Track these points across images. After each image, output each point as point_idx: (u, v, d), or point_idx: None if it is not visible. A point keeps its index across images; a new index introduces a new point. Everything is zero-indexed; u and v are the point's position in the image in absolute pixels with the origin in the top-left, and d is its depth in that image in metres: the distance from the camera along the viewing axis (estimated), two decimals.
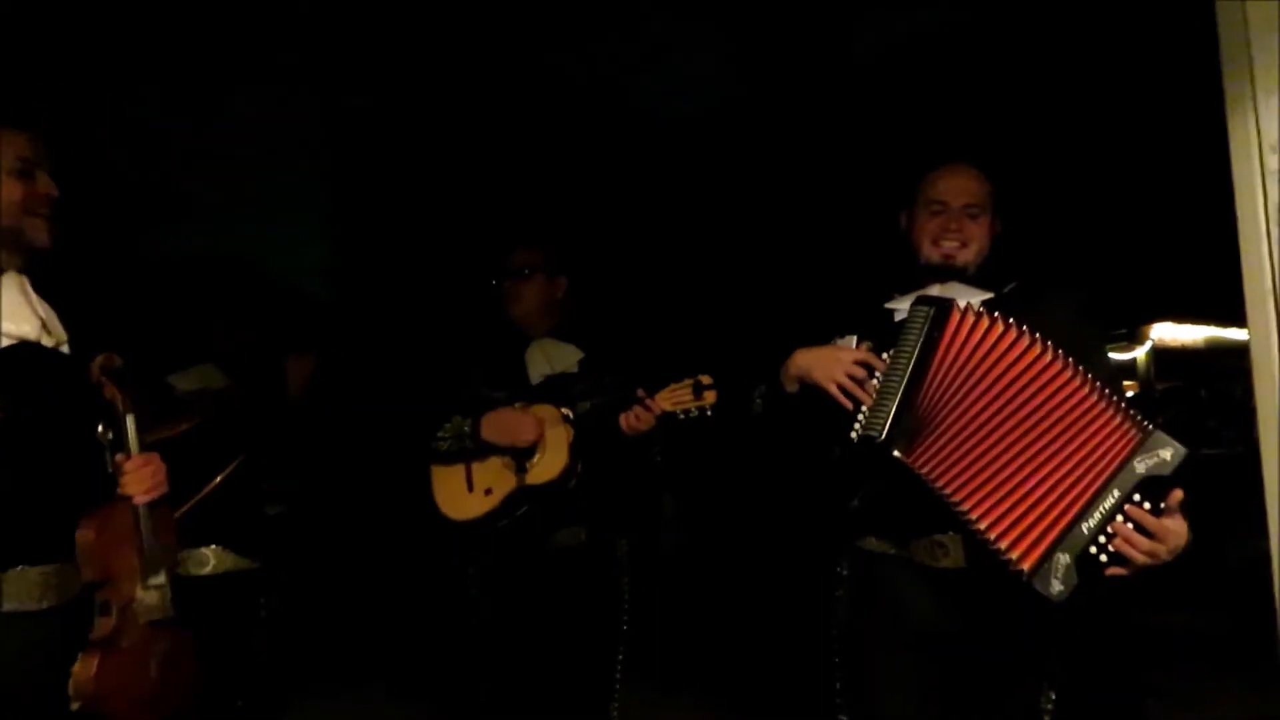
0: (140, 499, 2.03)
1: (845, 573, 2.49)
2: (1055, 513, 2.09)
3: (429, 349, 3.64)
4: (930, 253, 2.51)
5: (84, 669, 1.94)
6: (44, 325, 2.00)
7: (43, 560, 1.92)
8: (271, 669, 3.53)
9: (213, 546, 3.39)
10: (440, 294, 4.51)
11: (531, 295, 3.37)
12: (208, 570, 3.32)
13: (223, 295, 4.84)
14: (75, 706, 1.92)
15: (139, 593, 2.03)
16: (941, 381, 2.20)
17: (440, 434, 3.19)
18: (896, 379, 2.22)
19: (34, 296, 2.02)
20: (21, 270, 2.02)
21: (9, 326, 1.95)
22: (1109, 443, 2.09)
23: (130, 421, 2.03)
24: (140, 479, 2.03)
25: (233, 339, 4.12)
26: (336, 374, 4.34)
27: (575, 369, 3.34)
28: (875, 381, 2.28)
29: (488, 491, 3.17)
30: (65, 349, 2.04)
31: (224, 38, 4.41)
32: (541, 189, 4.76)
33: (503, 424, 3.16)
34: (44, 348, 1.99)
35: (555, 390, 3.25)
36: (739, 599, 4.92)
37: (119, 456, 2.03)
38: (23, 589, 1.90)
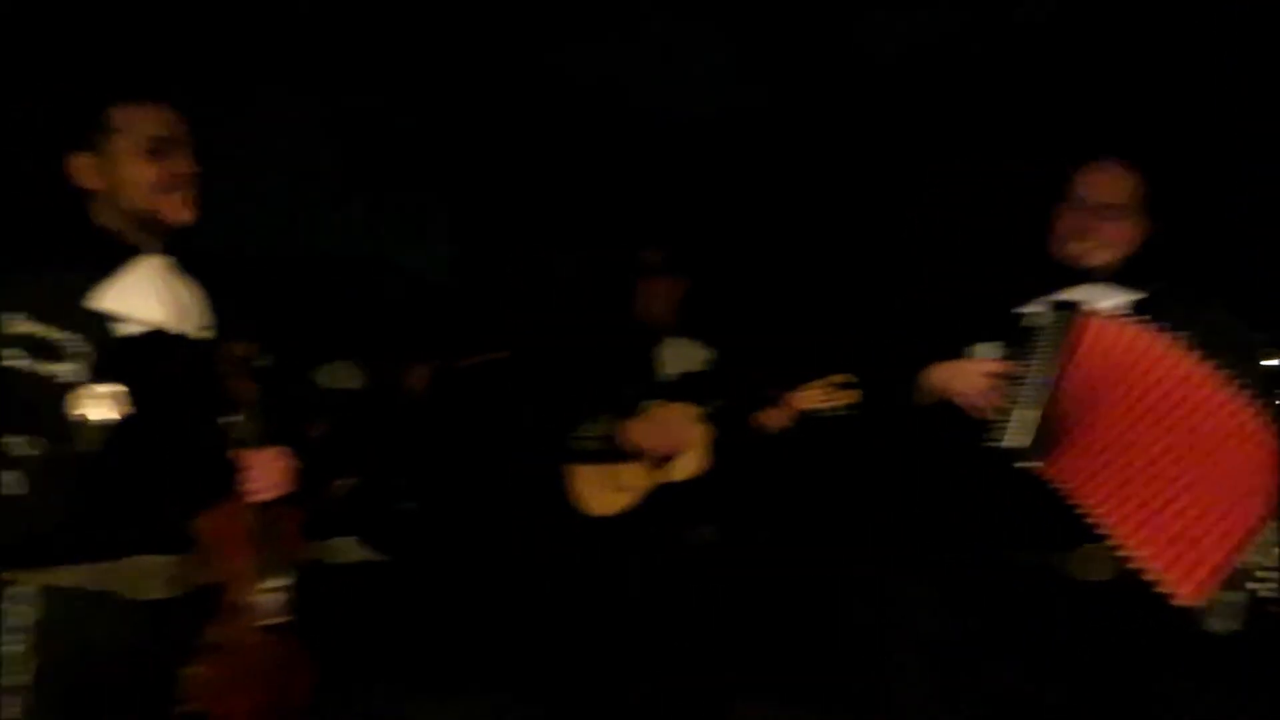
0: (259, 497, 1.93)
1: (977, 581, 2.45)
2: (1214, 539, 1.99)
3: (554, 346, 3.68)
4: (1064, 252, 2.45)
5: (195, 671, 1.88)
6: (179, 311, 1.92)
7: (162, 551, 1.87)
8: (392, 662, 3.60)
9: (347, 538, 3.48)
10: (564, 291, 4.56)
11: (661, 294, 3.40)
12: (342, 560, 3.43)
13: (359, 293, 5.00)
14: (185, 708, 1.88)
15: (255, 595, 1.93)
16: (1079, 391, 2.14)
17: (583, 432, 3.23)
18: (1033, 388, 2.17)
19: (174, 280, 1.94)
20: (162, 252, 1.94)
21: (139, 313, 1.87)
22: (1268, 462, 1.99)
23: (255, 414, 1.94)
24: (261, 476, 1.93)
25: (370, 337, 4.25)
26: (463, 372, 4.43)
27: (706, 367, 3.36)
28: (1012, 391, 2.23)
29: (627, 488, 3.21)
30: (207, 333, 1.96)
31: (337, 37, 4.54)
32: (664, 187, 4.77)
33: (650, 431, 3.18)
34: (175, 335, 1.91)
35: (687, 388, 3.28)
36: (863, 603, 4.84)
37: (241, 451, 1.93)
38: (144, 578, 1.85)
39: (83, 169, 1.91)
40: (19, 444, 1.78)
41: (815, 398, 2.95)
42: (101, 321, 1.84)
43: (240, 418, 1.93)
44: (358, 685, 3.40)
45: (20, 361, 1.78)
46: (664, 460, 3.20)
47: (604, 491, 3.23)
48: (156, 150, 1.90)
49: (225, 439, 1.92)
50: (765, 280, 4.56)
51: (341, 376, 4.55)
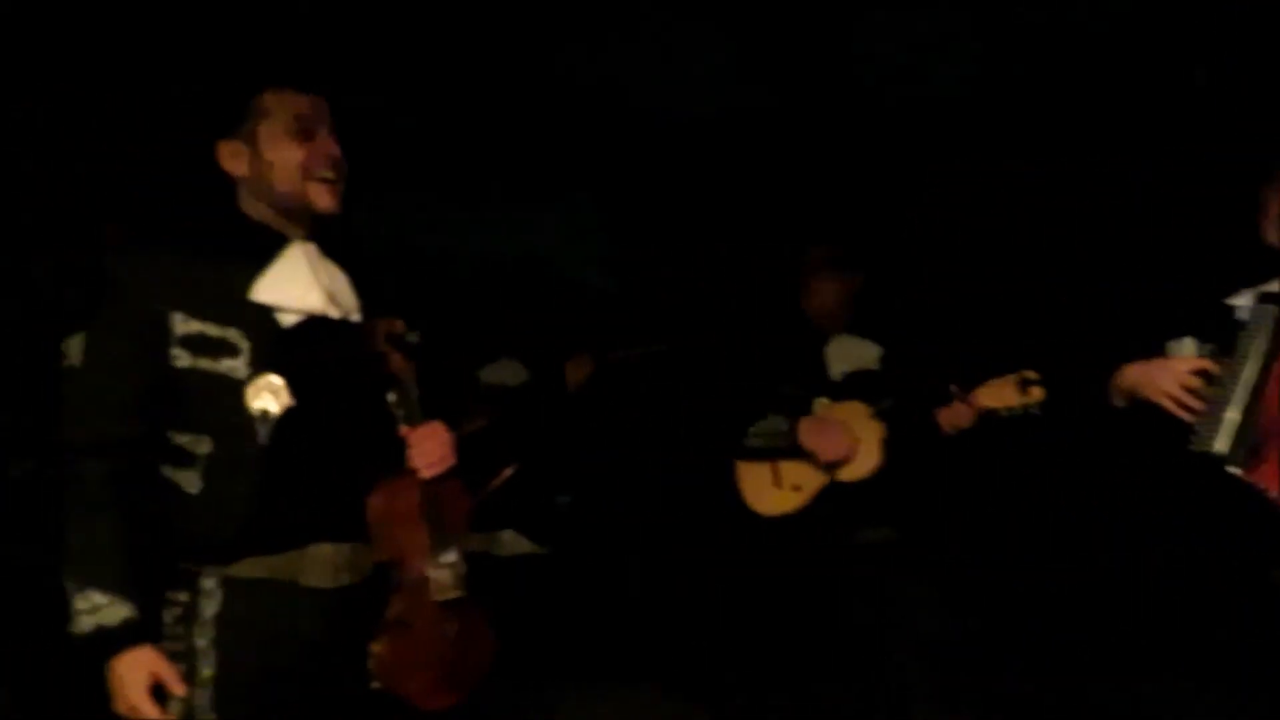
0: (426, 472, 1.91)
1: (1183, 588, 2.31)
2: None
3: (721, 345, 3.65)
4: (1274, 238, 2.28)
5: (379, 648, 1.89)
6: (330, 296, 1.90)
7: (339, 537, 1.86)
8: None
9: (509, 531, 3.52)
10: (727, 287, 4.52)
11: (830, 291, 3.33)
12: (503, 552, 3.47)
13: (518, 292, 5.07)
14: (375, 685, 1.88)
15: (430, 570, 1.92)
16: None
17: (753, 431, 3.18)
18: (1237, 388, 2.02)
19: (321, 265, 1.92)
20: (308, 237, 1.92)
21: (294, 301, 1.86)
22: None
23: (412, 390, 1.92)
24: (426, 451, 1.91)
25: (530, 334, 4.30)
26: (623, 365, 4.44)
27: (877, 365, 3.28)
28: (1214, 391, 2.08)
29: (796, 488, 3.16)
30: (356, 316, 1.94)
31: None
32: (831, 184, 4.69)
33: (823, 433, 3.12)
34: (331, 320, 1.90)
35: (859, 386, 3.21)
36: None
37: (404, 428, 1.91)
38: (320, 566, 1.84)
39: (230, 155, 1.92)
40: (194, 442, 1.80)
41: (1000, 395, 2.83)
42: (263, 313, 1.84)
43: (398, 394, 1.93)
44: (519, 677, 3.44)
45: (189, 360, 1.79)
46: (835, 461, 3.14)
47: (773, 491, 3.19)
48: (303, 131, 1.89)
49: (389, 417, 1.92)
50: (937, 274, 4.43)
51: (504, 373, 4.62)
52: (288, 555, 1.83)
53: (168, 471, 1.81)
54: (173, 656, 1.77)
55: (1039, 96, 4.36)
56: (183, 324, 1.80)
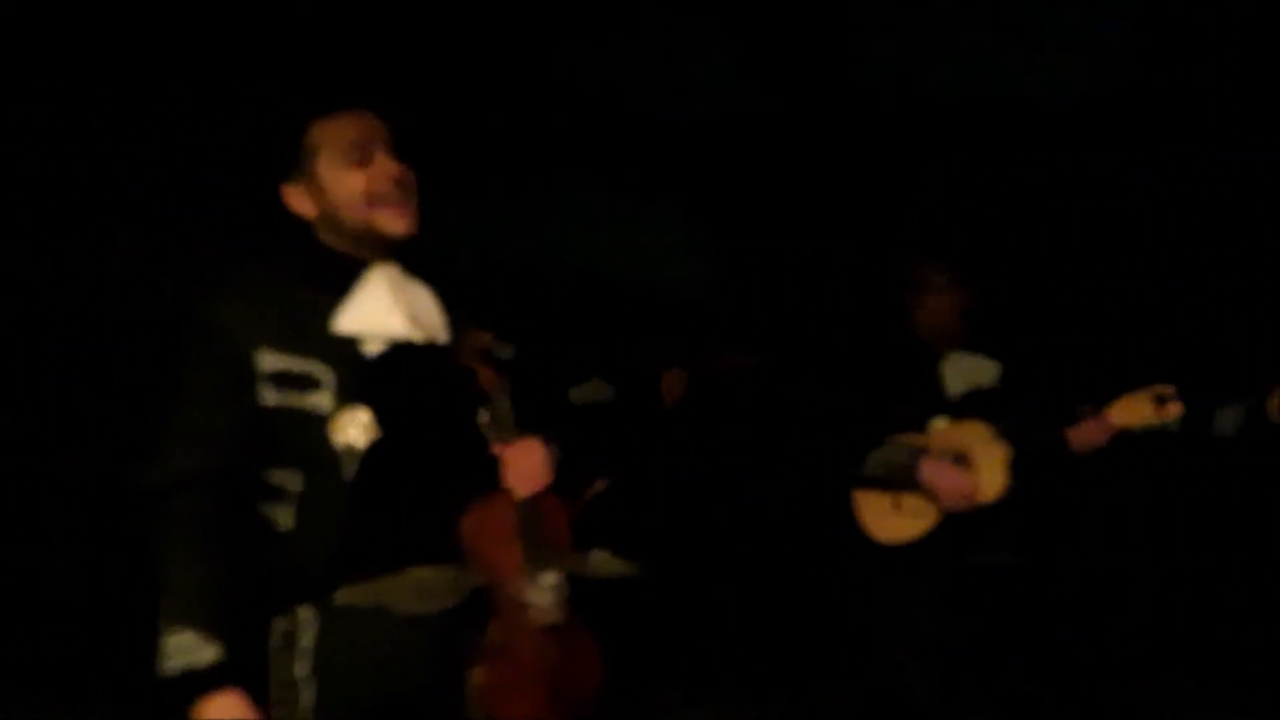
0: (521, 490, 1.85)
1: None
2: None
3: (831, 366, 3.56)
4: None
5: (479, 676, 1.83)
6: (413, 319, 1.86)
7: (435, 561, 1.83)
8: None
9: (600, 551, 3.46)
10: (838, 308, 4.44)
11: (943, 307, 3.22)
12: (594, 573, 3.41)
13: (606, 308, 5.04)
14: (474, 714, 1.82)
15: (529, 594, 1.86)
16: None
17: (873, 459, 3.10)
18: None
19: (404, 286, 1.87)
20: (388, 258, 1.87)
21: (375, 329, 1.82)
22: None
23: (506, 406, 1.86)
24: (520, 469, 1.85)
25: (619, 352, 4.26)
26: (724, 386, 4.37)
27: (996, 383, 3.16)
28: None
29: (918, 515, 3.06)
30: (444, 336, 1.89)
31: None
32: (940, 197, 4.58)
33: (947, 477, 3.01)
34: (416, 344, 1.85)
35: (978, 405, 3.10)
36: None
37: (497, 445, 1.85)
38: (416, 591, 1.81)
39: (297, 198, 1.88)
40: (287, 479, 1.80)
41: (1136, 412, 2.69)
42: (346, 345, 1.81)
43: (490, 412, 1.86)
44: (627, 700, 3.40)
45: (277, 398, 1.78)
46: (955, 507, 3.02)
47: (893, 518, 3.09)
48: (359, 157, 1.83)
49: (482, 437, 1.86)
50: (1057, 286, 4.29)
51: (595, 392, 4.59)
52: (383, 581, 1.80)
53: (265, 509, 1.80)
54: (276, 685, 1.77)
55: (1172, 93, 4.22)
56: (268, 360, 1.78)
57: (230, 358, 1.78)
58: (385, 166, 1.83)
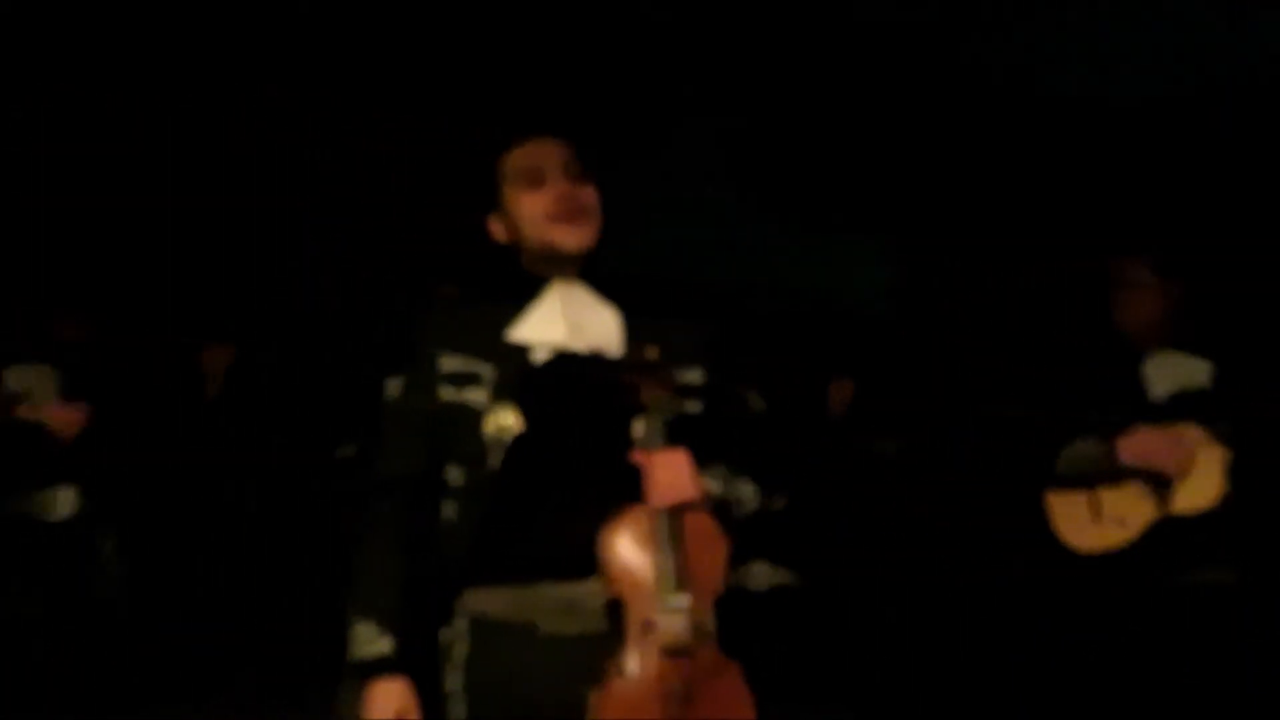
0: (658, 500, 1.80)
1: None
2: None
3: (1013, 369, 3.40)
4: None
5: (596, 697, 1.78)
6: (576, 330, 1.93)
7: (574, 570, 1.84)
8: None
9: (761, 562, 3.39)
10: (1029, 308, 4.28)
11: (1148, 305, 3.03)
12: (755, 586, 3.33)
13: (775, 320, 5.00)
14: None
15: (657, 613, 1.78)
16: None
17: (1064, 457, 2.93)
18: None
19: (579, 302, 1.96)
20: (574, 275, 1.97)
21: (539, 336, 1.93)
22: None
23: (662, 420, 1.84)
24: (660, 479, 1.82)
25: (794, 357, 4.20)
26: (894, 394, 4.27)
27: (1208, 384, 2.94)
28: None
29: (1120, 521, 2.87)
30: (613, 350, 1.93)
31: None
32: (1142, 190, 4.37)
33: (1149, 443, 2.83)
34: (578, 355, 1.92)
35: (1188, 408, 2.90)
36: None
37: (638, 453, 1.84)
38: (555, 607, 1.85)
39: (495, 226, 2.04)
40: (451, 472, 1.91)
41: None
42: (517, 351, 1.92)
43: (644, 424, 1.85)
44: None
45: (449, 395, 1.91)
46: (1166, 489, 2.80)
47: (1091, 525, 2.91)
48: (534, 180, 1.96)
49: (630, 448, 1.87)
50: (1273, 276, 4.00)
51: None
52: (526, 591, 1.85)
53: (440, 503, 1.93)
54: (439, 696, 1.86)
55: None
56: (446, 363, 1.92)
57: (421, 362, 1.94)
58: (559, 187, 1.95)
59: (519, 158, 1.98)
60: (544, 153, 1.98)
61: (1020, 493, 3.03)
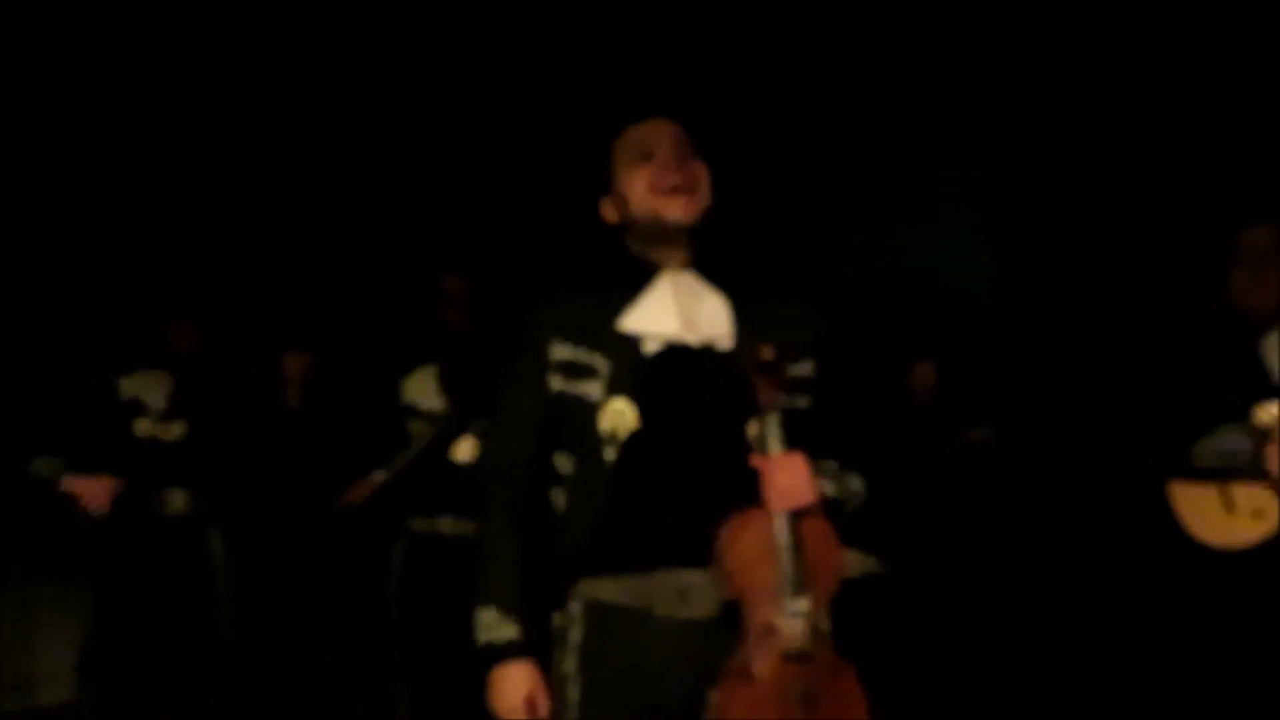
0: (776, 505, 1.81)
1: None
2: None
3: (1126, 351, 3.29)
4: None
5: (717, 697, 1.79)
6: (688, 322, 1.93)
7: (690, 564, 1.85)
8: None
9: (851, 550, 3.31)
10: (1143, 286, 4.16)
11: (1272, 280, 2.90)
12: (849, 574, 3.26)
13: (893, 307, 4.93)
14: None
15: (777, 619, 1.80)
16: None
17: (1200, 449, 2.83)
18: None
19: (690, 292, 1.96)
20: (684, 256, 1.97)
21: (651, 328, 1.93)
22: None
23: (777, 421, 1.83)
24: (778, 483, 1.82)
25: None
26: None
27: None
28: None
29: (1257, 514, 2.76)
30: (725, 343, 1.94)
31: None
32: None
33: None
34: (690, 348, 1.92)
35: None
36: None
37: (756, 457, 1.83)
38: (671, 593, 1.85)
39: (606, 209, 2.05)
40: (561, 461, 1.93)
41: None
42: (628, 342, 1.93)
43: (759, 424, 1.84)
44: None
45: (561, 384, 1.92)
46: None
47: (1225, 518, 2.80)
48: (643, 155, 1.98)
49: (747, 448, 1.86)
50: None
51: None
52: (641, 579, 1.87)
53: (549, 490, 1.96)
54: (553, 678, 1.89)
55: None
56: (558, 351, 1.94)
57: (533, 350, 1.96)
58: (666, 160, 1.96)
59: (629, 138, 2.01)
60: (654, 130, 2.00)
61: (1144, 483, 2.92)
